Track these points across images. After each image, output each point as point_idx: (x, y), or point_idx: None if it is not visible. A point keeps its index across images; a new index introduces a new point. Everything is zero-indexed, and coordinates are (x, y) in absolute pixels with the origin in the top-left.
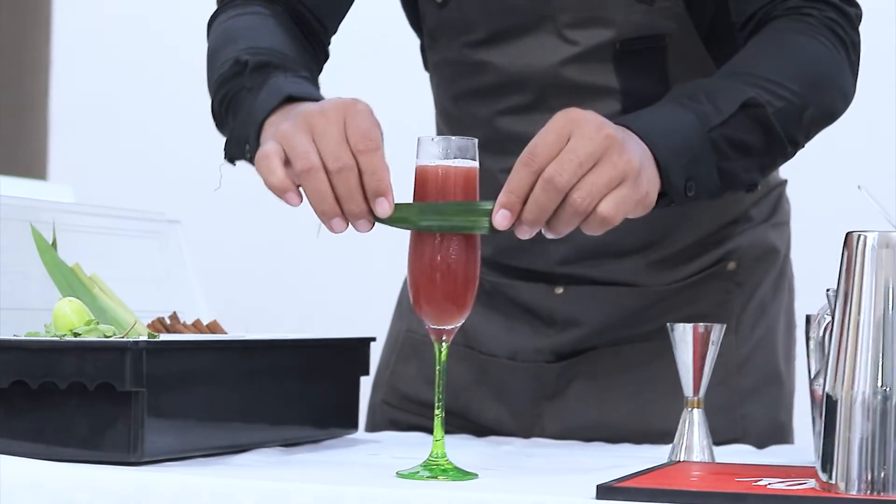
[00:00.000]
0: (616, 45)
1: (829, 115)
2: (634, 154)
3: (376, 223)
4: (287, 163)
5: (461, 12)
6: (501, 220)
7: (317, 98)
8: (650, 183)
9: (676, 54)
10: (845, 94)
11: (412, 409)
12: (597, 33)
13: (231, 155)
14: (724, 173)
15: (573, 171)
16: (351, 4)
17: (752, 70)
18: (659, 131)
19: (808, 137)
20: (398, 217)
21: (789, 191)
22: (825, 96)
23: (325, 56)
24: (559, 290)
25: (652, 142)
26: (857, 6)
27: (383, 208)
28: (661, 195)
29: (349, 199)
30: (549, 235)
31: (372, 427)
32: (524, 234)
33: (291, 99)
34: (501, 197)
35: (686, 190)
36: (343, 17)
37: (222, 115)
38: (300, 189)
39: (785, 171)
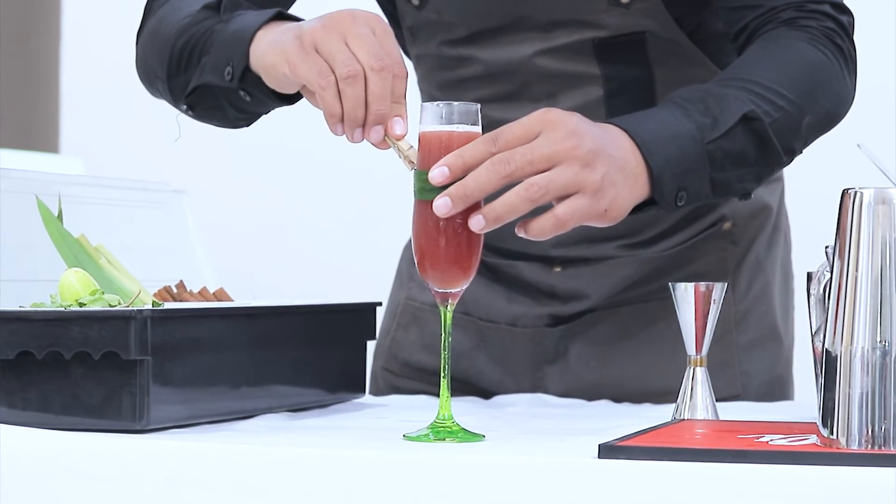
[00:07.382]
0: (595, 41)
1: (829, 121)
2: (598, 170)
3: None
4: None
5: (438, 14)
6: (438, 175)
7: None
8: (616, 200)
9: (658, 43)
10: (844, 100)
11: (413, 376)
12: (576, 32)
13: (204, 82)
14: (716, 183)
15: (521, 165)
16: None
17: (751, 77)
18: (658, 141)
19: (807, 144)
20: None
21: None
22: (824, 104)
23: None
24: (557, 269)
25: (649, 152)
26: (850, 13)
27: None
28: (649, 201)
29: (381, 99)
30: (489, 221)
31: (375, 393)
32: (476, 224)
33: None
34: (449, 156)
35: (676, 200)
36: None
37: (183, 61)
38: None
39: None
